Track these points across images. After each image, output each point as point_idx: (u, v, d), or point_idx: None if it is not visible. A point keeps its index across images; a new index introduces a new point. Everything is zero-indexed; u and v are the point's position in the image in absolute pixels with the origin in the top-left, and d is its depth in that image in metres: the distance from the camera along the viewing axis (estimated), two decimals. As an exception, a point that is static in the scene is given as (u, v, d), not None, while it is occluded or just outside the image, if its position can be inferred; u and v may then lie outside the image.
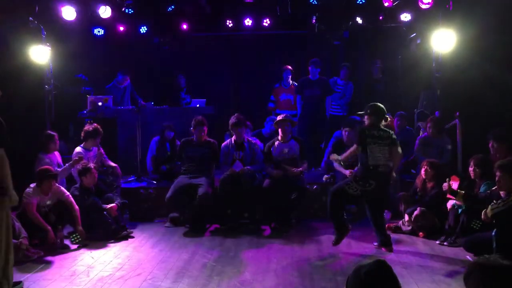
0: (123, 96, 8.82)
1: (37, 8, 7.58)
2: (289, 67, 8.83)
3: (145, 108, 8.23)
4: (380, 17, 9.06)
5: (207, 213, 6.45)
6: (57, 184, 5.81)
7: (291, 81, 8.81)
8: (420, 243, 5.56)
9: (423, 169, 6.05)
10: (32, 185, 5.65)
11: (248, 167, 6.59)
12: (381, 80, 9.02)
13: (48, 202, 5.77)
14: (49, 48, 7.62)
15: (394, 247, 5.37)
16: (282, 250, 5.44)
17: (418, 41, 8.81)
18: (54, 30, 7.95)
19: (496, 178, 4.57)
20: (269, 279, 4.55)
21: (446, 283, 4.34)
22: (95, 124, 6.95)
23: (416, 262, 4.93)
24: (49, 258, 5.24)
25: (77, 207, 5.82)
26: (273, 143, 6.74)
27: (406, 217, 5.93)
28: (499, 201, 4.42)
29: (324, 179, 7.16)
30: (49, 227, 5.52)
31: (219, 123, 8.40)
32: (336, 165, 6.92)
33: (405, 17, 8.77)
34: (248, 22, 9.29)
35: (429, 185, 6.01)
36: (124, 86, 8.81)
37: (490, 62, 6.60)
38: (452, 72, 7.23)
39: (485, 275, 2.04)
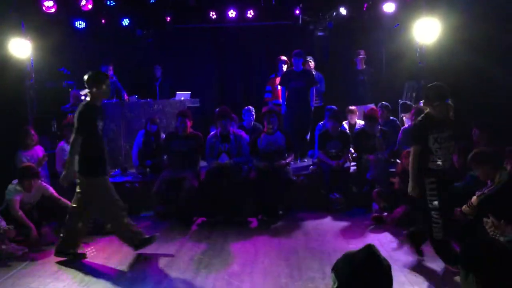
0: (107, 89, 8.69)
1: (16, 2, 7.43)
2: (284, 57, 8.78)
3: (129, 102, 8.14)
4: (364, 8, 9.08)
5: (194, 206, 6.42)
6: (39, 181, 5.72)
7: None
8: (406, 233, 5.59)
9: (404, 160, 5.97)
10: (14, 182, 5.57)
11: (234, 159, 6.57)
12: (364, 70, 9.05)
13: (31, 200, 5.68)
14: (30, 42, 7.49)
15: (381, 236, 5.41)
16: (269, 242, 5.44)
17: (402, 31, 8.84)
18: (35, 23, 7.81)
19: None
20: (257, 270, 4.55)
21: (433, 270, 4.38)
22: (70, 116, 6.89)
23: (402, 251, 4.97)
24: (33, 254, 5.17)
25: (63, 198, 5.75)
26: (259, 135, 6.73)
27: (391, 217, 5.89)
28: (483, 189, 4.47)
29: (310, 170, 7.18)
30: (31, 225, 5.44)
31: (204, 116, 8.36)
32: (322, 156, 6.95)
33: (389, 7, 8.79)
34: (232, 13, 9.24)
35: None
36: (109, 81, 8.66)
37: (474, 51, 6.63)
38: (436, 62, 7.26)
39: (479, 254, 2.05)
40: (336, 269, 1.86)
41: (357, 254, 1.85)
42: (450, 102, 4.37)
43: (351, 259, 1.84)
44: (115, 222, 5.01)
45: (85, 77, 4.89)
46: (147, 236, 5.09)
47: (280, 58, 8.74)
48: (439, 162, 4.32)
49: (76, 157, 4.77)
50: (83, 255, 5.01)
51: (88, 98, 4.86)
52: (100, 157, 4.90)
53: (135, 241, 5.03)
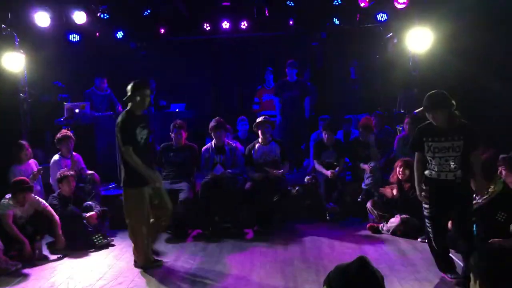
0: (102, 102, 8.70)
1: (9, 15, 7.44)
2: (270, 68, 8.87)
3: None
4: (357, 18, 9.14)
5: (189, 218, 6.38)
6: (32, 195, 5.67)
7: (273, 82, 8.85)
8: (402, 242, 5.58)
9: (398, 169, 5.97)
10: (7, 196, 5.52)
11: (229, 170, 6.55)
12: (358, 80, 9.08)
13: (24, 214, 5.63)
14: (23, 56, 7.49)
15: (377, 246, 5.39)
16: (265, 253, 5.41)
17: (395, 41, 8.89)
18: (28, 37, 7.81)
19: None
20: (253, 283, 4.52)
21: (429, 280, 4.36)
22: (64, 130, 6.88)
23: (398, 260, 4.95)
24: (27, 270, 5.11)
25: (56, 215, 5.72)
26: (254, 145, 6.72)
27: (386, 226, 5.92)
28: (477, 197, 4.47)
29: (306, 180, 7.16)
30: (25, 239, 5.38)
31: (199, 127, 8.35)
32: (317, 166, 6.95)
33: (381, 17, 8.86)
34: (225, 25, 9.27)
35: (407, 185, 5.90)
36: (104, 94, 8.67)
37: (465, 60, 6.67)
38: (428, 70, 7.29)
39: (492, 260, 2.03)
40: (328, 282, 1.85)
41: (349, 266, 1.83)
42: (453, 110, 4.19)
43: (343, 272, 1.83)
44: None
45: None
46: (156, 259, 5.15)
47: (266, 69, 8.85)
48: (433, 172, 4.29)
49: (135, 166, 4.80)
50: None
51: (128, 107, 4.90)
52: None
53: (145, 260, 5.04)
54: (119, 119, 4.85)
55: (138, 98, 4.87)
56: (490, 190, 4.39)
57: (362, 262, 1.83)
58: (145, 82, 5.04)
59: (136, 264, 5.06)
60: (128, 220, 5.02)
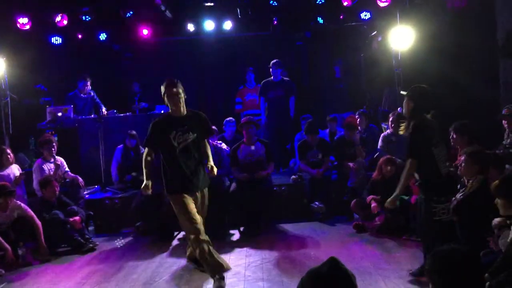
0: (85, 105, 8.61)
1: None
2: (251, 68, 8.88)
3: (107, 117, 8.06)
4: (341, 17, 9.17)
5: (174, 221, 6.33)
6: (14, 200, 5.60)
7: (254, 82, 8.86)
8: (386, 239, 5.59)
9: (384, 167, 5.97)
10: (-12, 202, 5.45)
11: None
12: (343, 78, 9.11)
13: (7, 220, 5.55)
14: (4, 59, 7.39)
15: (362, 244, 5.40)
16: (251, 255, 5.39)
17: (379, 39, 8.93)
18: (8, 40, 7.71)
19: (462, 163, 4.52)
20: (238, 285, 4.50)
21: (413, 278, 4.37)
22: (47, 134, 6.81)
23: (383, 258, 4.96)
24: (10, 276, 5.06)
25: (38, 221, 5.65)
26: (239, 146, 6.70)
27: (371, 225, 5.91)
28: (457, 194, 4.46)
29: (292, 180, 7.16)
30: (7, 246, 5.31)
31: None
32: (303, 166, 6.94)
33: (365, 15, 8.90)
34: (209, 25, 9.23)
35: (391, 182, 5.94)
36: (87, 97, 8.58)
37: (446, 58, 6.71)
38: (411, 68, 7.34)
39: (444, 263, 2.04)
40: (301, 287, 1.85)
41: (320, 268, 1.84)
42: (413, 107, 4.17)
43: (315, 275, 1.83)
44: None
45: None
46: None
47: (247, 69, 8.86)
48: None
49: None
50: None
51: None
52: (174, 172, 4.55)
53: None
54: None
55: (167, 99, 4.54)
56: (468, 185, 4.37)
57: (333, 263, 1.83)
58: (169, 80, 4.53)
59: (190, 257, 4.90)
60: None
